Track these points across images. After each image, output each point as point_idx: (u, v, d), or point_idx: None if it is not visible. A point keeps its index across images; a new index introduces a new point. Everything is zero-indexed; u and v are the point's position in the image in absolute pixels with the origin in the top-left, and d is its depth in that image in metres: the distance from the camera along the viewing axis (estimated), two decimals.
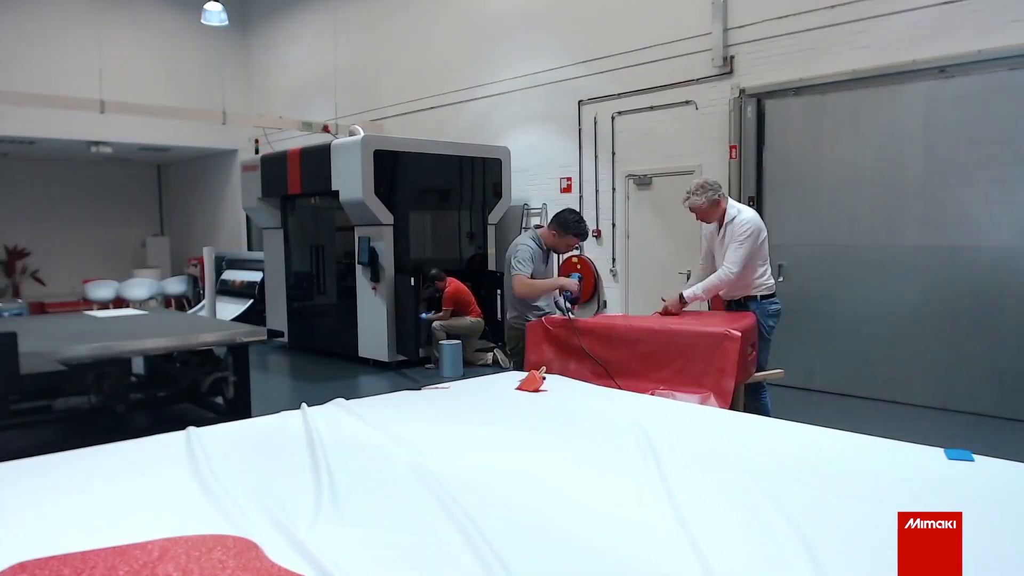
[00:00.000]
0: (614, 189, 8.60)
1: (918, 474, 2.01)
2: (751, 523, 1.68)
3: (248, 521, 1.66)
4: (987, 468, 2.03)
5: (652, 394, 3.25)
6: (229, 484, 1.92)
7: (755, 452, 2.23)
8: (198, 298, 12.78)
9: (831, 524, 1.65)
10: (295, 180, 9.15)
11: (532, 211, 9.54)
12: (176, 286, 13.66)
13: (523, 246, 4.44)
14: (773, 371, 4.33)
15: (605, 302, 8.71)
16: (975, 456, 2.08)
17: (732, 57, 7.38)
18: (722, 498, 1.84)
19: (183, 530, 1.53)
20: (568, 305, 4.02)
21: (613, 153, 8.57)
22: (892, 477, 2.00)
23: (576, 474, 2.05)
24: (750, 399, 4.17)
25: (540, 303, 4.40)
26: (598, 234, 8.74)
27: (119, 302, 12.49)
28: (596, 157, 8.76)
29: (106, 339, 4.75)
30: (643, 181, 8.32)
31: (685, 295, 4.32)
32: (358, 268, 8.44)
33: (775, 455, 2.20)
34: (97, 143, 12.97)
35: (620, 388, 3.36)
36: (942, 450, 2.14)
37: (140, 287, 13.01)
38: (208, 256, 9.50)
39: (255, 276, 11.35)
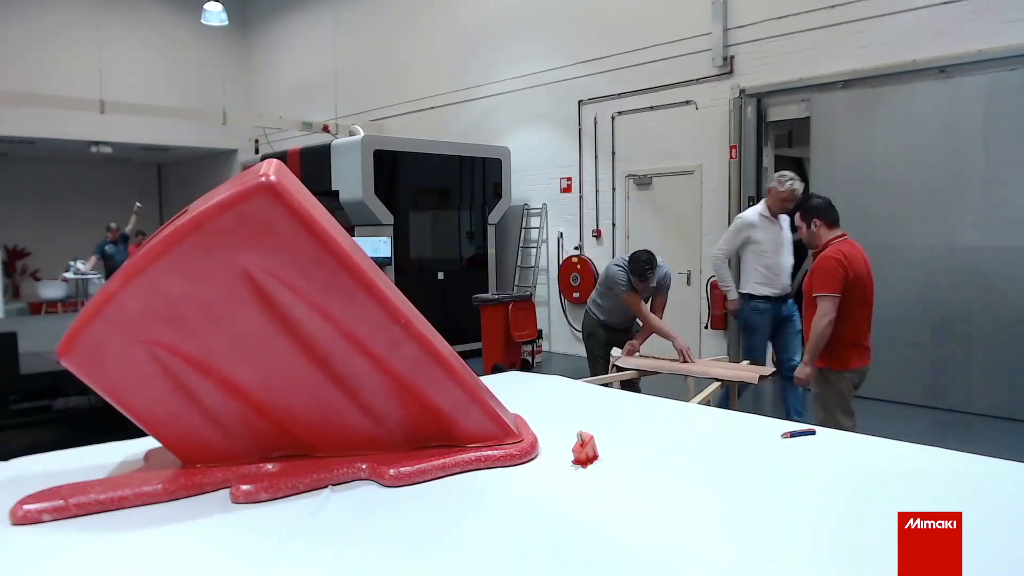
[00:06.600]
0: (614, 189, 8.60)
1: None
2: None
3: None
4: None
5: None
6: None
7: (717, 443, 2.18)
8: None
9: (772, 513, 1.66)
10: None
11: (532, 211, 9.55)
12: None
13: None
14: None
15: None
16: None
17: (732, 57, 7.38)
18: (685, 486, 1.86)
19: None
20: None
21: (613, 153, 8.57)
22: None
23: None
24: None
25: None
26: (598, 234, 8.75)
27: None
28: (596, 157, 8.76)
29: None
30: (643, 181, 8.32)
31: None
32: None
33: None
34: (97, 143, 12.95)
35: None
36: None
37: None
38: None
39: None
